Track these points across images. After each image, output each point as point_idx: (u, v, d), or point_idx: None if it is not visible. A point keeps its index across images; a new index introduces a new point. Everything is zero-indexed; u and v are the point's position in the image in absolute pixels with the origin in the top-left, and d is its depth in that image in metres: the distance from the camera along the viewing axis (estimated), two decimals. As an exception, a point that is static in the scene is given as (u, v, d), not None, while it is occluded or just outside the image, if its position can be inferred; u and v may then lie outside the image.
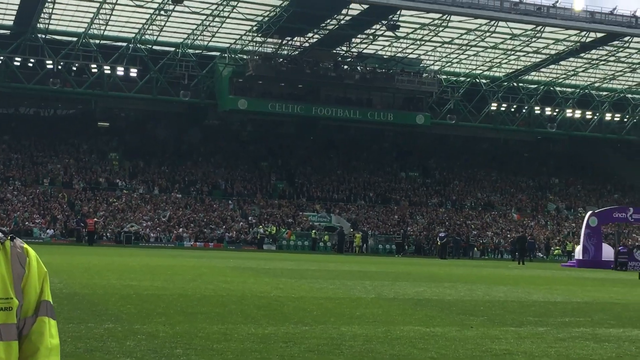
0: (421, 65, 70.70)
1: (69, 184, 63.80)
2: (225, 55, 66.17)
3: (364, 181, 74.39)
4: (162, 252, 45.57)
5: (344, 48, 67.39)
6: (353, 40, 65.39)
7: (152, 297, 16.76)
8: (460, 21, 59.37)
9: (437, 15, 58.75)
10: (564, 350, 11.66)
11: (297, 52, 66.65)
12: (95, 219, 55.46)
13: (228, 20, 58.95)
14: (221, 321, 13.25)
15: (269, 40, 63.59)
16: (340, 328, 12.92)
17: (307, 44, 65.57)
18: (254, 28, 61.46)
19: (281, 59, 66.37)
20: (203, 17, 59.04)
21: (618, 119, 78.98)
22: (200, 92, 67.62)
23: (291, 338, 11.60)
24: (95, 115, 74.12)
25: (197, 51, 66.06)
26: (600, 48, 64.56)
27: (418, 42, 64.59)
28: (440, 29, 60.31)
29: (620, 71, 71.00)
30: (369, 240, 61.68)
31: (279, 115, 70.13)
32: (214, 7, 56.87)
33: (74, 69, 66.48)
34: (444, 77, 72.56)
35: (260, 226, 60.64)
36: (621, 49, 64.52)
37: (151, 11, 58.09)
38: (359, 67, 68.96)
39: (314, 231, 61.41)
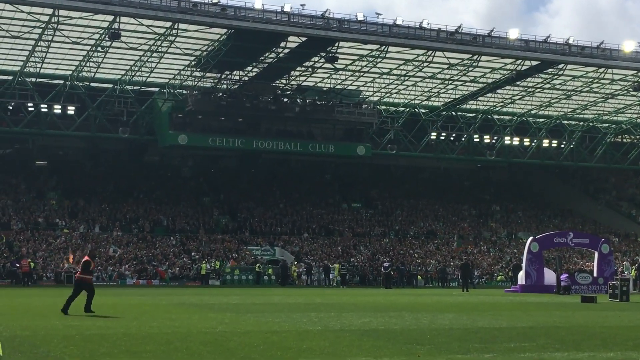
0: (361, 96, 71.09)
1: (7, 225, 62.57)
2: (165, 90, 65.83)
3: (306, 213, 74.33)
4: (104, 290, 44.79)
5: (284, 81, 67.52)
6: (292, 72, 65.54)
7: (96, 337, 16.41)
8: (398, 52, 59.94)
9: (375, 47, 59.23)
10: (511, 375, 11.66)
11: (236, 86, 66.56)
12: (30, 260, 54.27)
13: (166, 55, 58.70)
14: (166, 359, 13.01)
15: (208, 74, 63.39)
16: (287, 362, 12.77)
17: (246, 78, 65.56)
18: (193, 63, 61.30)
19: (221, 93, 66.18)
20: (141, 53, 58.71)
21: (555, 145, 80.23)
22: (139, 128, 66.97)
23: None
24: (33, 154, 73.00)
25: (135, 87, 65.59)
26: (536, 76, 65.59)
27: (357, 74, 64.99)
28: (379, 59, 60.80)
29: (556, 98, 72.20)
30: (311, 273, 61.60)
31: (219, 149, 69.78)
32: (151, 42, 56.60)
33: (10, 107, 65.54)
34: (384, 107, 73.03)
35: (204, 261, 60.09)
36: (556, 77, 65.64)
37: (88, 48, 57.59)
38: (298, 100, 69.10)
39: (257, 265, 61.07)
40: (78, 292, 22.65)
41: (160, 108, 65.37)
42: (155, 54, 58.25)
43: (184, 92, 64.79)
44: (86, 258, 23.36)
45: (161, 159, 76.37)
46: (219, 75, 64.26)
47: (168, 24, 54.31)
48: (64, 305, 22.37)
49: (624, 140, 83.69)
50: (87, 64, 60.39)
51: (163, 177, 75.11)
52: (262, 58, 61.64)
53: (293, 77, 66.63)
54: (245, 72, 64.91)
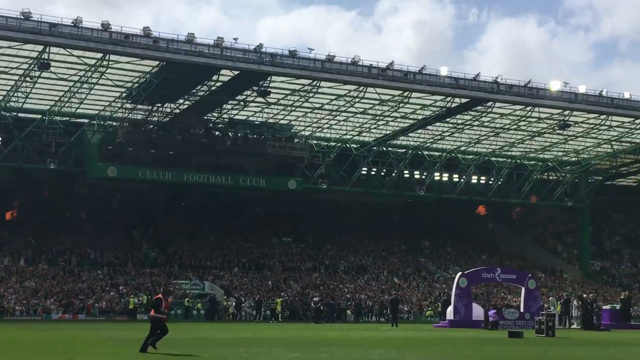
0: (292, 130, 71.24)
1: None
2: (94, 122, 65.08)
3: (237, 247, 73.95)
4: (29, 325, 43.86)
5: (215, 114, 67.29)
6: (224, 106, 65.40)
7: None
8: (330, 87, 60.25)
9: (307, 81, 59.46)
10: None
11: (167, 119, 66.15)
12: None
13: (97, 86, 58.05)
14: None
15: (139, 106, 62.84)
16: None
17: (177, 110, 65.20)
18: (124, 94, 60.78)
19: (151, 126, 65.67)
20: (71, 84, 57.96)
21: (484, 181, 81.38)
22: (68, 159, 65.95)
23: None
24: (-43, 184, 71.40)
25: (65, 118, 64.72)
26: (465, 113, 66.57)
27: (289, 108, 65.16)
28: (311, 94, 61.04)
29: (484, 135, 73.32)
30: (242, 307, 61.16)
31: (149, 182, 68.82)
32: (82, 73, 55.94)
33: None
34: (315, 142, 73.30)
35: (132, 295, 59.16)
36: (484, 114, 66.69)
37: (16, 77, 56.75)
38: (230, 133, 68.89)
39: (187, 299, 60.36)
40: (155, 331, 22.25)
41: (89, 139, 64.53)
42: (85, 85, 57.55)
43: (114, 124, 64.14)
44: (158, 296, 23.01)
45: (90, 191, 75.19)
46: (150, 107, 63.72)
47: (99, 55, 53.71)
48: (142, 345, 21.97)
49: (550, 177, 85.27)
50: (15, 94, 59.44)
51: (91, 210, 74.01)
52: (194, 91, 61.39)
53: (225, 111, 66.49)
54: (177, 105, 64.56)
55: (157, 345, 22.04)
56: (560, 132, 71.02)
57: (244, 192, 75.90)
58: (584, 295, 53.11)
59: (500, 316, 46.42)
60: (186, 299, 60.28)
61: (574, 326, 51.05)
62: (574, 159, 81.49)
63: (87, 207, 73.67)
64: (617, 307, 53.21)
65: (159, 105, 64.05)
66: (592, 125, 70.14)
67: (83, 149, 65.59)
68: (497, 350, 25.53)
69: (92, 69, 55.02)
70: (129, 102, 61.72)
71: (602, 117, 67.96)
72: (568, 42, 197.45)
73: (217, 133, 68.45)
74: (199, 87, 60.54)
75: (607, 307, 53.59)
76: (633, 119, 68.84)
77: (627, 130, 71.58)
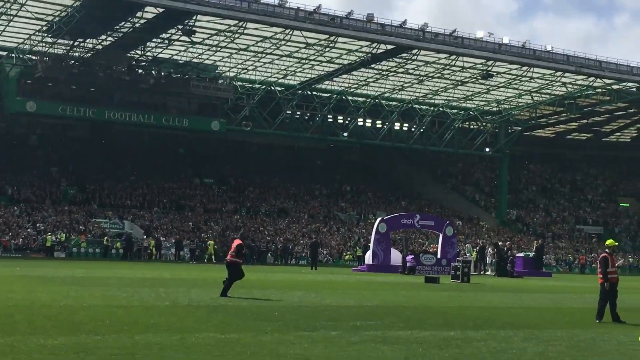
0: (217, 71, 70.61)
1: None
2: (13, 55, 63.41)
3: (158, 187, 73.39)
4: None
5: (139, 52, 66.21)
6: (148, 44, 64.31)
7: None
8: (256, 29, 59.72)
9: (233, 22, 58.80)
10: (355, 353, 11.92)
11: (89, 55, 64.81)
12: None
13: (16, 18, 56.55)
14: (7, 333, 12.62)
15: (60, 41, 61.35)
16: (134, 337, 12.63)
17: (100, 47, 63.90)
18: (44, 28, 59.21)
19: (73, 61, 64.35)
20: (-11, 15, 56.34)
21: (406, 128, 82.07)
22: (-16, 93, 64.37)
23: (83, 348, 11.22)
24: None
25: (-18, 50, 63.04)
26: (390, 60, 66.83)
27: (214, 48, 64.46)
28: (237, 35, 60.46)
29: (409, 82, 73.78)
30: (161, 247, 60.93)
31: (69, 119, 67.70)
32: (1, 4, 54.32)
33: None
34: (240, 83, 72.81)
35: (49, 233, 58.36)
36: (409, 61, 67.05)
37: None
38: (153, 72, 67.94)
39: (105, 238, 59.85)
40: (234, 275, 21.92)
41: (7, 73, 62.96)
42: (3, 17, 55.97)
43: (34, 58, 62.60)
44: (238, 241, 22.57)
45: (7, 126, 73.54)
46: (71, 42, 62.32)
47: (19, -14, 52.26)
48: (222, 290, 21.63)
49: (471, 126, 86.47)
50: None
51: (9, 145, 72.40)
52: (118, 27, 60.23)
53: (149, 49, 65.44)
54: (99, 41, 63.24)
55: (228, 294, 21.77)
56: (482, 81, 71.94)
57: (167, 132, 75.30)
58: (499, 243, 54.31)
59: (417, 261, 47.29)
60: (105, 238, 59.69)
61: (489, 273, 52.29)
62: (495, 109, 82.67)
63: (4, 143, 72.04)
64: (530, 255, 54.69)
65: (81, 40, 62.62)
66: (514, 76, 71.16)
67: (1, 83, 63.96)
68: (414, 295, 26.05)
69: (11, 0, 53.42)
70: (50, 36, 60.13)
71: (524, 68, 68.95)
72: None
73: (140, 71, 67.46)
74: (123, 23, 59.36)
75: (521, 255, 55.02)
76: (554, 71, 69.99)
77: (547, 82, 72.85)
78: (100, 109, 65.56)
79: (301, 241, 68.14)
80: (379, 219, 51.91)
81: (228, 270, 22.05)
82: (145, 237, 62.01)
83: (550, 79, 71.92)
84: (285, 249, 64.26)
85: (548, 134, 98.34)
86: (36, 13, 56.04)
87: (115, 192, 70.29)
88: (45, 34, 60.00)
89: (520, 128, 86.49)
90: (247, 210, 73.83)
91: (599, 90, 75.53)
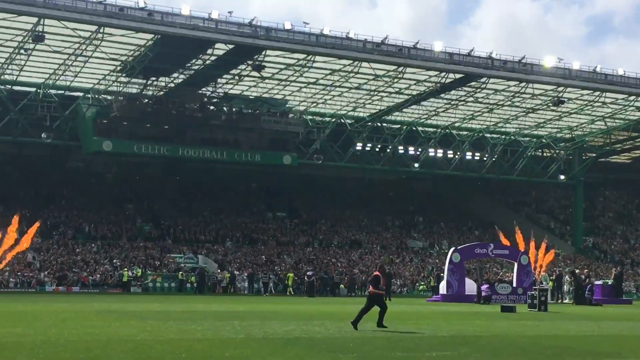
0: (287, 105, 71.19)
1: None
2: (89, 95, 64.90)
3: (230, 222, 74.05)
4: (23, 297, 44.00)
5: (210, 88, 67.26)
6: (219, 80, 65.35)
7: (13, 345, 16.07)
8: (324, 62, 60.12)
9: (302, 56, 59.34)
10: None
11: (162, 93, 66.06)
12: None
13: (91, 59, 57.88)
14: (86, 366, 12.83)
15: (134, 80, 62.77)
16: (209, 369, 12.71)
17: (172, 84, 65.13)
18: (118, 68, 60.59)
19: (146, 100, 65.62)
20: (65, 57, 57.78)
21: (478, 157, 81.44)
22: (63, 133, 65.87)
23: (159, 381, 11.34)
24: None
25: (59, 91, 64.65)
26: (459, 89, 66.58)
27: (284, 83, 65.07)
28: (305, 69, 60.93)
29: (479, 111, 73.36)
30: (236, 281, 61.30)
31: (144, 156, 68.86)
32: (76, 46, 55.73)
33: None
34: (310, 117, 73.29)
35: (126, 269, 59.23)
36: (479, 90, 66.71)
37: (10, 50, 56.52)
38: (225, 108, 68.87)
39: (180, 272, 60.51)
40: (370, 307, 22.37)
41: (84, 113, 64.41)
42: (80, 58, 57.39)
43: (109, 97, 64.00)
44: (376, 273, 23.07)
45: (85, 165, 75.22)
46: (144, 81, 63.69)
47: (93, 28, 53.52)
48: (354, 319, 21.98)
49: (544, 154, 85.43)
50: (10, 67, 59.26)
51: (86, 184, 74.00)
52: (189, 65, 61.31)
53: (220, 85, 66.44)
54: (172, 79, 64.49)
55: (384, 324, 22.15)
56: (554, 108, 71.11)
57: (239, 167, 76.00)
58: (577, 271, 53.36)
59: (492, 291, 46.69)
60: (180, 273, 60.39)
61: (566, 301, 51.37)
62: (567, 135, 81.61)
63: (82, 181, 73.64)
64: (609, 282, 53.57)
65: (154, 79, 64.00)
66: (586, 102, 70.24)
67: (78, 123, 65.49)
68: (489, 325, 25.71)
69: (87, 42, 54.82)
70: (124, 75, 61.57)
71: (596, 93, 68.04)
72: (562, 16, 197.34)
73: (211, 107, 68.43)
74: (194, 60, 60.46)
75: (599, 282, 53.95)
76: (627, 95, 68.91)
77: (620, 107, 71.70)
78: (174, 146, 66.56)
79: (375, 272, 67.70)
80: (452, 248, 51.51)
81: (368, 301, 22.45)
82: (219, 270, 62.48)
83: (623, 103, 70.79)
84: (352, 280, 63.89)
85: (624, 159, 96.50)
86: (111, 54, 57.32)
87: (189, 228, 71.14)
88: (120, 74, 61.40)
89: (594, 154, 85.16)
90: (320, 243, 73.95)
91: (676, 113, 74.03)
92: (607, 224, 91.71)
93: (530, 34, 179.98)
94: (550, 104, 69.51)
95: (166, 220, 71.72)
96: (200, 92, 67.06)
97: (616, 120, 76.40)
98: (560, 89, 66.58)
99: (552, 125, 78.84)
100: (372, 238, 77.77)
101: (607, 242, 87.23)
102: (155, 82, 64.65)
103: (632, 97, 69.16)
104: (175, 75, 63.59)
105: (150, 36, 55.74)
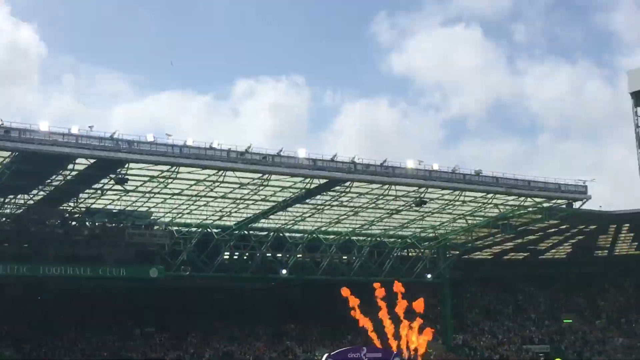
0: (152, 217, 70.13)
1: None
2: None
3: (97, 341, 71.61)
4: None
5: (72, 204, 65.62)
6: (81, 195, 63.82)
7: None
8: (189, 172, 59.66)
9: (166, 167, 58.71)
10: None
11: (21, 210, 64.01)
12: None
13: (-56, 179, 55.79)
14: None
15: (-10, 198, 60.72)
16: None
17: (31, 201, 63.23)
18: (-26, 187, 58.54)
19: (4, 219, 63.46)
20: None
21: (345, 260, 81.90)
22: None
23: None
24: None
25: None
26: (324, 193, 67.24)
27: (148, 195, 64.15)
28: (170, 180, 60.26)
29: (344, 215, 74.17)
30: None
31: (3, 278, 66.05)
32: None
33: None
34: (176, 228, 72.35)
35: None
36: (343, 194, 67.53)
37: None
38: (87, 223, 67.27)
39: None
40: None
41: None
42: None
43: (-36, 218, 61.62)
44: None
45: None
46: (1, 199, 61.62)
47: (-54, 147, 51.75)
48: None
49: (410, 254, 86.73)
50: None
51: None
52: (49, 181, 59.72)
53: (81, 200, 64.90)
54: (31, 196, 62.61)
55: None
56: (417, 208, 72.54)
57: (104, 283, 73.96)
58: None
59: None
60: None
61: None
62: (431, 234, 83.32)
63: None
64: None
65: (12, 197, 61.94)
66: (446, 201, 72.04)
67: None
68: None
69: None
70: (-21, 195, 59.46)
71: (456, 193, 69.95)
72: (420, 121, 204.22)
73: (73, 223, 66.70)
74: (54, 176, 58.94)
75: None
76: (484, 193, 71.10)
77: (479, 204, 73.83)
78: (35, 266, 64.12)
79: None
80: (326, 354, 51.23)
81: None
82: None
83: (482, 201, 72.92)
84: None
85: (486, 255, 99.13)
86: (-35, 172, 55.40)
87: (53, 350, 68.36)
88: (-25, 194, 59.27)
89: (458, 252, 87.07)
90: (191, 357, 72.22)
91: (530, 209, 76.69)
92: (475, 321, 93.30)
93: (390, 139, 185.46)
94: (413, 205, 70.89)
95: (29, 344, 68.63)
96: (61, 208, 65.32)
97: (476, 218, 78.56)
98: (422, 189, 68.08)
99: (416, 225, 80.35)
100: (245, 349, 76.55)
101: (476, 339, 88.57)
102: (13, 200, 62.61)
103: (489, 195, 71.36)
104: (34, 191, 61.79)
105: (7, 154, 54.10)
